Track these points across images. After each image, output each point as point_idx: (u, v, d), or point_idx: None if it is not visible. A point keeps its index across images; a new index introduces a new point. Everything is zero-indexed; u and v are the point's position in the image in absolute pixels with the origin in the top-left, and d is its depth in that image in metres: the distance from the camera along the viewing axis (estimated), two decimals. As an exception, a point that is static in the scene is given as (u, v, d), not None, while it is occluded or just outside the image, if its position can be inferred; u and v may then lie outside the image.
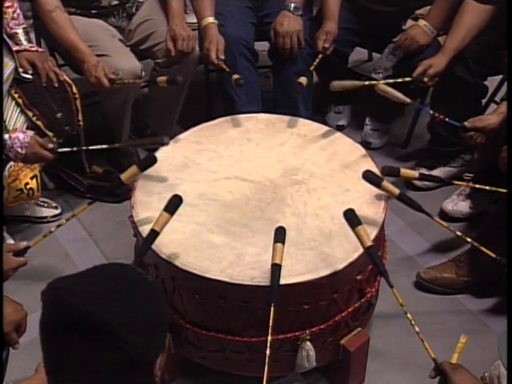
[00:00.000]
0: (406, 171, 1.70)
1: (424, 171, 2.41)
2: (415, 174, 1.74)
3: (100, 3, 2.27)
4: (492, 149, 1.92)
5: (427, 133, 2.45)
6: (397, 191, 1.57)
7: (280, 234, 1.44)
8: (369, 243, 1.41)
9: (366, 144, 2.54)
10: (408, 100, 1.94)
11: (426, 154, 2.48)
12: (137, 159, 2.42)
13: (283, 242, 1.42)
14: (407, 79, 2.11)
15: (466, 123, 1.89)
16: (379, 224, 1.59)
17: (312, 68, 2.26)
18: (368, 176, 1.59)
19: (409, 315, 1.36)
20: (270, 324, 1.33)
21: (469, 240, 1.60)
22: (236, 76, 2.08)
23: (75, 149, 1.93)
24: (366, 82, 2.05)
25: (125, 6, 2.32)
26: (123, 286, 0.98)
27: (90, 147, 1.95)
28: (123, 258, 1.95)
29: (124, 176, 1.63)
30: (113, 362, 0.91)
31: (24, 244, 1.58)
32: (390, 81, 2.06)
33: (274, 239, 1.43)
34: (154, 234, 1.45)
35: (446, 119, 1.96)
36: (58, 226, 1.71)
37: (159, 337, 0.99)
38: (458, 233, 1.60)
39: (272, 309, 1.35)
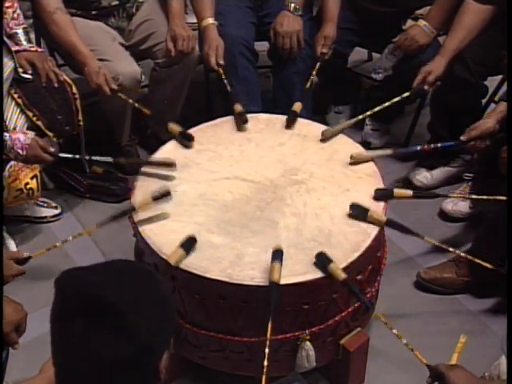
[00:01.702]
0: (399, 191, 1.69)
1: (424, 171, 2.41)
2: (409, 192, 1.73)
3: (100, 4, 2.27)
4: (492, 149, 1.92)
5: (427, 133, 2.45)
6: (383, 219, 1.57)
7: (277, 255, 1.45)
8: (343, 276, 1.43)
9: (365, 144, 2.54)
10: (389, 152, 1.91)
11: (425, 154, 2.48)
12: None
13: (281, 263, 1.43)
14: (406, 94, 2.06)
15: (462, 137, 1.87)
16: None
17: (314, 73, 2.23)
18: (353, 207, 1.59)
19: (395, 331, 1.38)
20: (270, 322, 1.33)
21: (462, 254, 1.66)
22: (239, 108, 1.93)
23: (77, 156, 1.92)
24: (354, 121, 2.00)
25: (125, 6, 2.32)
26: (136, 278, 0.99)
27: (94, 157, 1.93)
28: (123, 258, 1.94)
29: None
30: (123, 350, 0.91)
31: (26, 254, 1.61)
32: (387, 104, 2.03)
33: (271, 259, 1.44)
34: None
35: (439, 145, 1.93)
36: (65, 241, 1.71)
37: (167, 331, 1.00)
38: (451, 249, 1.65)
39: (269, 324, 1.35)
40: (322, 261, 1.46)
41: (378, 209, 1.62)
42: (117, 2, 2.29)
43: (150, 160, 1.82)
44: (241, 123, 1.91)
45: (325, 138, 1.85)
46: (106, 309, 0.91)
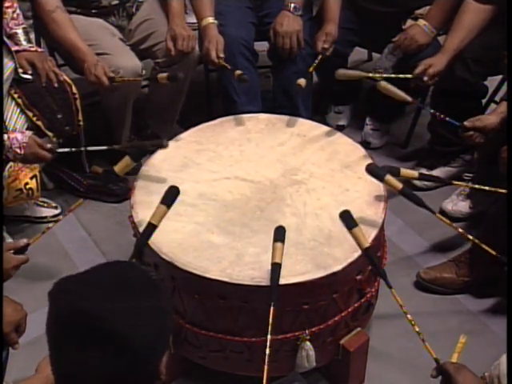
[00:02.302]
0: (406, 171, 1.69)
1: (424, 171, 2.41)
2: (415, 173, 1.74)
3: (100, 3, 2.27)
4: (492, 149, 1.92)
5: (427, 133, 2.45)
6: (400, 185, 1.57)
7: (280, 233, 1.44)
8: (366, 244, 1.41)
9: (365, 144, 2.54)
10: (409, 98, 1.94)
11: (425, 154, 2.48)
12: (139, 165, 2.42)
13: (283, 241, 1.42)
14: (408, 76, 2.11)
15: (465, 123, 1.89)
16: (379, 224, 1.59)
17: (311, 69, 2.26)
18: (372, 170, 1.59)
19: (409, 316, 1.36)
20: (270, 322, 1.33)
21: (470, 237, 1.60)
22: (238, 72, 2.08)
23: (73, 149, 1.92)
24: (370, 74, 2.05)
25: (125, 6, 2.32)
26: (130, 286, 0.98)
27: (89, 148, 1.94)
28: (123, 258, 1.93)
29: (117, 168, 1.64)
30: (119, 363, 0.91)
31: (24, 241, 1.56)
32: (392, 76, 2.07)
33: (273, 238, 1.43)
34: (151, 228, 1.44)
35: (447, 118, 1.96)
36: (56, 221, 1.71)
37: (165, 336, 1.00)
38: (460, 230, 1.61)
39: (271, 309, 1.34)
40: (347, 219, 1.45)
41: (377, 209, 1.62)
42: (117, 2, 2.29)
43: (141, 143, 1.85)
44: (241, 81, 2.07)
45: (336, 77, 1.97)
46: (97, 323, 0.90)
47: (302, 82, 2.07)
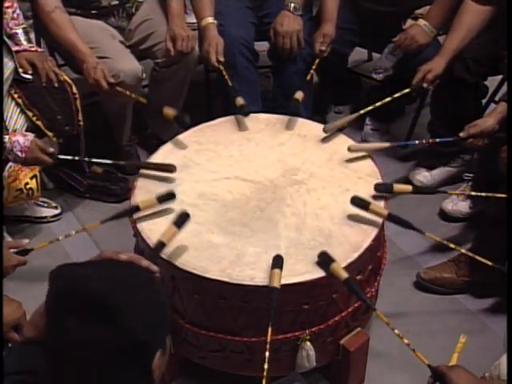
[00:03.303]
0: (399, 186, 1.70)
1: (424, 171, 2.41)
2: (408, 187, 1.73)
3: (100, 3, 2.27)
4: (492, 149, 1.92)
5: (427, 133, 2.45)
6: (385, 212, 1.58)
7: (278, 262, 1.45)
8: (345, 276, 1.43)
9: (364, 142, 2.54)
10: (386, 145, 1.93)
11: (426, 154, 2.48)
12: (137, 159, 2.42)
13: (281, 269, 1.43)
14: (406, 90, 2.08)
15: (461, 134, 1.88)
16: (379, 224, 1.59)
17: (309, 77, 2.23)
18: (355, 201, 1.59)
19: (396, 331, 1.38)
20: (268, 340, 1.33)
21: (463, 251, 1.66)
22: (240, 102, 1.98)
23: (76, 158, 1.91)
24: (361, 111, 2.02)
25: (125, 6, 2.32)
26: (130, 277, 1.01)
27: (93, 159, 1.92)
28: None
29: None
30: (114, 344, 0.92)
31: (26, 242, 1.57)
32: (388, 99, 2.04)
33: (272, 265, 1.44)
34: (161, 246, 1.47)
35: (437, 140, 1.95)
36: (67, 235, 1.70)
37: (160, 329, 1.00)
38: (452, 245, 1.66)
39: (269, 330, 1.35)
40: (324, 260, 1.46)
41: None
42: (116, 2, 2.29)
43: (149, 162, 1.81)
44: (243, 115, 1.94)
45: (326, 134, 1.86)
46: (99, 302, 0.92)
47: (299, 96, 2.02)
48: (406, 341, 1.35)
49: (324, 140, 1.86)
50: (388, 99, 2.03)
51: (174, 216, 1.52)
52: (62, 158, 1.86)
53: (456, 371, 1.25)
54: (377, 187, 1.66)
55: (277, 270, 1.42)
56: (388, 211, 1.59)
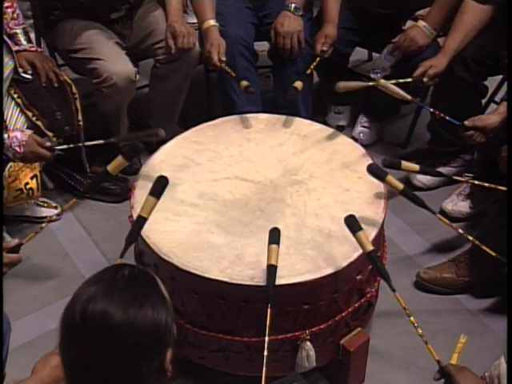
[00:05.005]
0: (406, 164, 1.70)
1: (424, 171, 2.41)
2: (416, 167, 1.73)
3: (109, 17, 2.26)
4: (492, 149, 1.92)
5: (427, 133, 2.45)
6: (401, 186, 1.57)
7: (274, 235, 1.44)
8: (370, 247, 1.41)
9: (354, 140, 2.53)
10: (408, 96, 1.95)
11: (426, 154, 2.48)
12: (138, 162, 2.42)
13: (278, 243, 1.43)
14: (408, 80, 2.11)
15: (466, 122, 1.89)
16: (379, 224, 1.59)
17: (309, 72, 2.25)
18: (373, 169, 1.59)
19: (412, 318, 1.36)
20: (267, 324, 1.33)
21: (470, 238, 1.61)
22: (245, 83, 2.03)
23: (72, 145, 1.90)
24: (371, 83, 2.04)
25: (131, 16, 2.31)
26: (132, 286, 1.00)
27: (86, 143, 1.92)
28: (123, 259, 1.94)
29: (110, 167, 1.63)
30: (129, 354, 0.94)
31: (16, 241, 1.57)
32: (392, 81, 2.05)
33: (268, 240, 1.44)
34: (141, 221, 1.43)
35: (447, 117, 1.96)
36: (50, 221, 1.70)
37: (169, 331, 1.01)
38: (460, 230, 1.62)
39: (269, 310, 1.35)
40: (352, 224, 1.44)
41: (377, 209, 1.62)
42: (122, 14, 2.28)
43: (136, 134, 1.86)
44: (248, 93, 2.03)
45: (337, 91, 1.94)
46: (109, 323, 0.94)
47: (298, 84, 2.05)
48: (420, 330, 1.34)
49: (324, 139, 1.86)
50: (393, 81, 2.04)
51: (151, 185, 1.46)
52: (60, 148, 1.86)
53: (464, 376, 1.25)
54: (384, 162, 1.66)
55: (274, 246, 1.42)
56: (403, 186, 1.58)
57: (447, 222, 1.63)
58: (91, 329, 0.93)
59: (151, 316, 0.97)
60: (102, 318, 0.93)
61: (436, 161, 2.41)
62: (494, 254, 1.56)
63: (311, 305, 1.50)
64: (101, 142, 1.88)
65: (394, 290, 1.39)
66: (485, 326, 1.94)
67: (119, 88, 2.15)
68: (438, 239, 2.20)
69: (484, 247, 1.58)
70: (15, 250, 1.56)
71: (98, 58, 2.15)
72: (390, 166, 1.68)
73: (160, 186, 1.45)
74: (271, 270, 1.39)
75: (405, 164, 1.69)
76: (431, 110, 2.07)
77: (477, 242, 1.60)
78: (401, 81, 2.08)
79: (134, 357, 0.94)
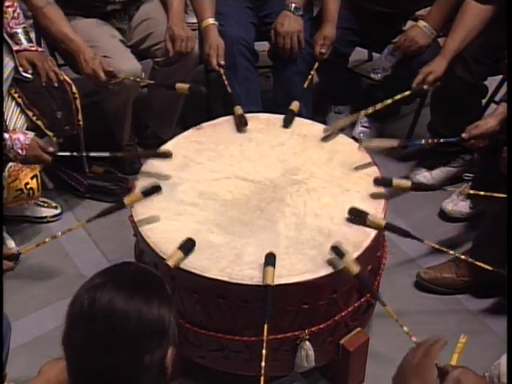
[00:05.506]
0: (398, 181, 1.70)
1: (424, 171, 2.41)
2: (407, 183, 1.73)
3: (104, 9, 2.26)
4: (492, 149, 1.92)
5: (427, 133, 2.45)
6: (383, 222, 1.57)
7: (270, 259, 1.45)
8: (356, 270, 1.43)
9: (353, 140, 2.54)
10: (395, 143, 1.88)
11: (426, 154, 2.48)
12: (138, 161, 2.42)
13: (274, 266, 1.43)
14: (406, 93, 2.07)
15: (463, 135, 1.87)
16: (379, 224, 1.59)
17: (308, 82, 2.22)
18: (379, 182, 1.60)
19: (405, 328, 1.37)
20: (264, 338, 1.34)
21: (462, 257, 1.65)
22: (240, 111, 1.94)
23: (75, 154, 1.90)
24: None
25: (128, 10, 2.31)
26: (139, 281, 1.03)
27: (91, 154, 1.93)
28: (123, 258, 1.93)
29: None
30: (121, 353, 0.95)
31: (16, 249, 1.59)
32: (389, 101, 2.03)
33: (264, 263, 1.44)
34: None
35: (441, 140, 1.94)
36: (53, 237, 1.70)
37: (172, 328, 1.02)
38: (451, 252, 1.66)
39: (266, 326, 1.35)
40: (337, 253, 1.45)
41: (377, 209, 1.62)
42: (119, 7, 2.28)
43: (146, 152, 1.82)
44: (241, 125, 1.90)
45: (326, 136, 1.85)
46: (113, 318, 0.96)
47: (295, 106, 1.97)
48: (414, 338, 1.35)
49: (324, 139, 1.86)
50: (388, 101, 2.02)
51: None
52: (62, 154, 1.86)
53: (463, 374, 1.25)
54: (376, 181, 1.66)
55: (270, 268, 1.42)
56: (385, 221, 1.58)
57: (437, 246, 1.66)
58: (98, 314, 0.95)
59: (156, 309, 0.98)
60: (109, 304, 0.96)
61: (436, 161, 2.41)
62: (490, 268, 1.56)
63: (311, 304, 1.50)
64: (106, 154, 1.88)
65: (384, 305, 1.41)
66: (485, 326, 1.94)
67: (127, 85, 2.15)
68: (437, 239, 2.20)
69: (480, 263, 1.58)
70: (12, 258, 1.56)
71: (104, 55, 2.15)
72: (381, 184, 1.67)
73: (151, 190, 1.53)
74: (268, 289, 1.39)
75: (396, 182, 1.69)
76: (422, 141, 1.99)
77: (470, 259, 1.63)
78: (400, 96, 2.05)
79: (137, 346, 0.96)
